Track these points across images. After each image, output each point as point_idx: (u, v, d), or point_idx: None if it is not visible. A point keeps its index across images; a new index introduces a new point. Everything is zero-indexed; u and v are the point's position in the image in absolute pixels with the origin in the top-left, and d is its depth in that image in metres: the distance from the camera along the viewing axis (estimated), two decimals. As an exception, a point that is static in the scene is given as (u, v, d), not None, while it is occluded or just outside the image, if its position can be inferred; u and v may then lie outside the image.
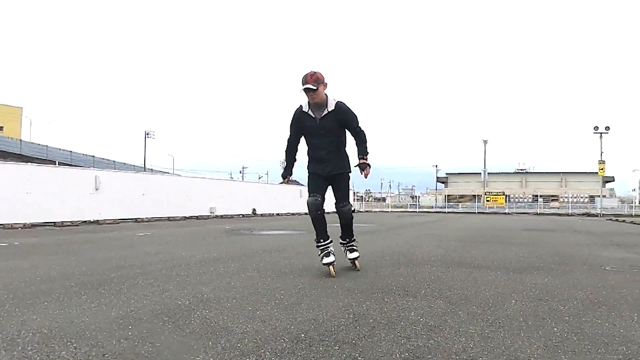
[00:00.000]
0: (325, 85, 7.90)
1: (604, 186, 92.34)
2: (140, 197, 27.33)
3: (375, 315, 5.52)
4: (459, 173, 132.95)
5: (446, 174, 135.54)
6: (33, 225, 20.69)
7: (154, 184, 29.53)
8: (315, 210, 8.21)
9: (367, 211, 77.76)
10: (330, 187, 8.45)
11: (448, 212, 79.77)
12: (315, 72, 7.78)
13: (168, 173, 78.59)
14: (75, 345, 4.27)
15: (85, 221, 23.53)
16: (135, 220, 26.27)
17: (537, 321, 5.32)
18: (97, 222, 23.96)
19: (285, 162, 8.92)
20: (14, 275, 7.98)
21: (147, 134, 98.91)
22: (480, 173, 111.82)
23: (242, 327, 4.96)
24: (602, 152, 67.26)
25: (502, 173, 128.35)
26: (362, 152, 8.09)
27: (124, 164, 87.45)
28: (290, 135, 8.62)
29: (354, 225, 8.78)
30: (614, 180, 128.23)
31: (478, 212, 79.19)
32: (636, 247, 14.40)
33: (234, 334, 4.67)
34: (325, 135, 8.14)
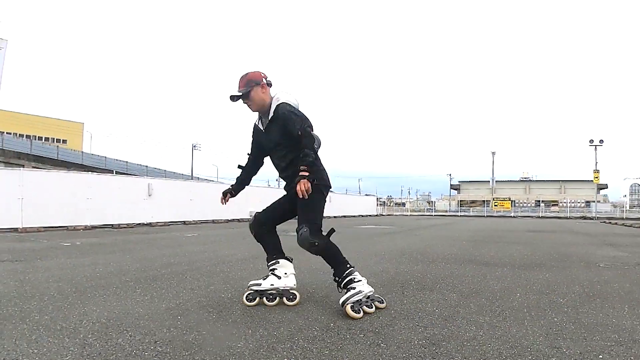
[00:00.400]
0: (264, 85, 5.60)
1: (598, 192, 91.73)
2: (188, 202, 27.44)
3: (395, 307, 5.53)
4: (470, 181, 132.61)
5: (459, 181, 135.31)
6: (93, 227, 20.82)
7: (200, 191, 29.63)
8: (251, 231, 6.00)
9: (388, 215, 77.48)
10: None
11: (460, 216, 79.40)
12: (247, 73, 5.61)
13: (212, 181, 78.55)
14: (130, 333, 4.33)
15: (139, 223, 23.69)
16: (184, 222, 26.35)
17: (539, 312, 5.31)
18: (149, 224, 24.07)
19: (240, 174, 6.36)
20: (76, 271, 8.03)
21: (194, 146, 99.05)
22: (489, 181, 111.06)
23: (278, 317, 5.00)
24: (596, 162, 66.87)
25: (508, 181, 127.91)
26: (300, 162, 5.22)
27: (174, 172, 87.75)
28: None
29: (338, 254, 5.64)
30: (607, 187, 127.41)
31: (487, 216, 78.83)
32: (627, 247, 14.28)
33: (271, 323, 4.71)
34: (273, 148, 5.83)
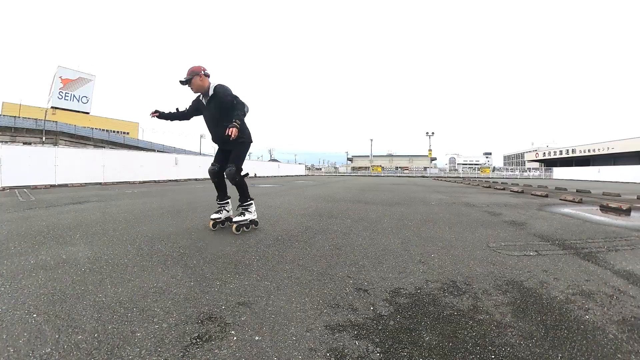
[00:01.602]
0: (202, 75, 5.09)
1: (431, 162, 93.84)
2: (198, 167, 27.35)
3: (315, 227, 5.51)
4: (358, 155, 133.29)
5: (352, 155, 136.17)
6: (144, 182, 20.45)
7: (205, 161, 29.55)
8: (213, 177, 5.49)
9: (312, 175, 77.70)
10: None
11: (353, 176, 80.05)
12: (191, 67, 5.12)
13: (212, 155, 77.82)
14: (165, 242, 4.32)
15: (170, 180, 23.32)
16: (196, 179, 26.00)
17: (397, 230, 5.37)
18: (176, 180, 23.68)
19: (173, 112, 5.56)
20: (135, 207, 7.81)
21: (202, 136, 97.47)
22: (369, 155, 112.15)
23: (248, 233, 4.94)
24: (430, 144, 69.04)
25: (380, 155, 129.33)
26: (234, 117, 4.91)
27: (190, 150, 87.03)
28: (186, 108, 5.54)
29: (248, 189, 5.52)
30: (436, 159, 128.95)
31: (368, 176, 79.62)
32: (446, 193, 14.58)
33: (245, 237, 4.65)
34: (211, 116, 5.24)
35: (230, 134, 4.77)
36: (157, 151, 58.59)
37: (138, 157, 22.16)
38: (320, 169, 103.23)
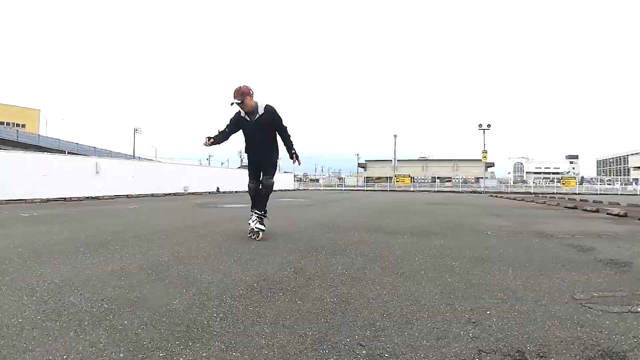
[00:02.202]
0: (251, 95, 7.64)
1: (486, 170, 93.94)
2: (130, 178, 27.57)
3: (310, 269, 5.52)
4: (375, 160, 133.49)
5: (365, 160, 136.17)
6: (48, 200, 20.61)
7: (141, 169, 29.68)
8: (252, 192, 8.37)
9: (304, 189, 77.76)
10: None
11: (367, 190, 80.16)
12: (241, 87, 7.59)
13: (152, 160, 77.70)
14: (80, 292, 4.31)
15: (88, 197, 23.51)
16: (127, 196, 26.09)
17: (435, 274, 5.37)
18: (97, 197, 23.83)
19: (218, 134, 8.07)
20: (34, 238, 7.84)
21: (136, 129, 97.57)
22: (392, 160, 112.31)
23: (208, 278, 4.95)
24: (484, 144, 68.60)
25: (408, 160, 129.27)
26: (291, 146, 8.22)
27: (119, 152, 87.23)
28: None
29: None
30: (494, 166, 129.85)
31: (390, 190, 79.72)
32: (510, 217, 14.60)
33: (202, 284, 4.66)
34: (256, 133, 7.98)
35: (298, 161, 8.32)
36: (68, 153, 58.51)
37: (39, 162, 22.15)
38: (318, 180, 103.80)
